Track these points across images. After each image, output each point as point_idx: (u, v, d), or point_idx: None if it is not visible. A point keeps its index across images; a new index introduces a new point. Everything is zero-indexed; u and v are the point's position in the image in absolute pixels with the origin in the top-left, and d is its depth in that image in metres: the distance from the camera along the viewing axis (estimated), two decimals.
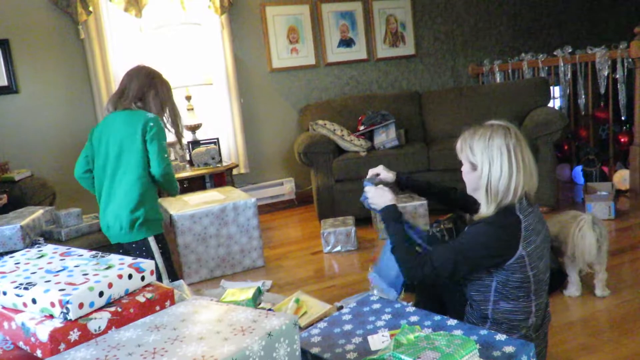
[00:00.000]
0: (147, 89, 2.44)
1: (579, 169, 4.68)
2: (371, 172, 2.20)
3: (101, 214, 2.43)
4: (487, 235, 1.67)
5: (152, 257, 2.34)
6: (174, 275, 2.48)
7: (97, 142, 2.43)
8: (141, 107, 2.44)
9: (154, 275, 1.39)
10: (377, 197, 1.95)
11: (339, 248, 3.62)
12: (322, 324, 1.63)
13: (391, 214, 1.87)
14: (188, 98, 4.27)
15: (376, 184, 2.05)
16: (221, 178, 4.25)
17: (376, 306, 1.71)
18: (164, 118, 2.49)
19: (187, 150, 4.27)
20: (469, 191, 1.80)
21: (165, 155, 2.34)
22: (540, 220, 1.75)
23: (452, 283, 1.85)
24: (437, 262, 1.68)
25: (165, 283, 2.31)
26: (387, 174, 2.16)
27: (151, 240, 2.39)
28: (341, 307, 1.86)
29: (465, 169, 1.77)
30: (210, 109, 4.63)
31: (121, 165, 2.34)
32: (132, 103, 2.41)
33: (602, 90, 4.58)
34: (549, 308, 1.87)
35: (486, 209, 1.70)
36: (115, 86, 4.26)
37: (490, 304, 1.74)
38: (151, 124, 2.34)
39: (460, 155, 1.78)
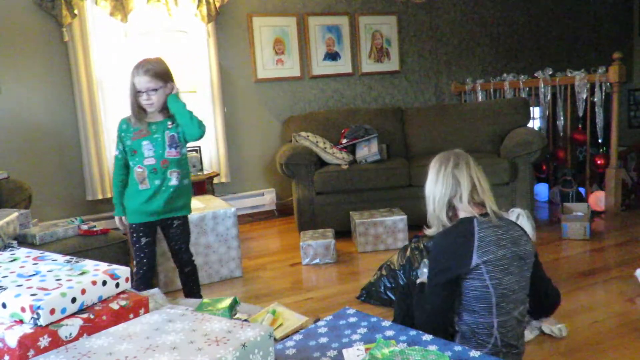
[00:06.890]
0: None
1: (556, 189, 4.76)
2: None
3: None
4: (438, 246, 1.78)
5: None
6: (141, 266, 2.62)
7: None
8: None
9: (129, 282, 1.37)
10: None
11: (317, 260, 3.61)
12: (297, 337, 1.62)
13: None
14: None
15: None
16: (201, 186, 4.22)
17: (352, 320, 1.71)
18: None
19: None
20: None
21: (114, 153, 2.58)
22: (507, 238, 1.74)
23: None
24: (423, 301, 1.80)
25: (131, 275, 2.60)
26: None
27: (129, 227, 2.62)
28: (317, 320, 1.85)
29: None
30: None
31: None
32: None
33: (581, 113, 4.67)
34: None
35: (434, 228, 1.86)
36: (98, 90, 4.23)
37: (455, 317, 1.78)
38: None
39: None
